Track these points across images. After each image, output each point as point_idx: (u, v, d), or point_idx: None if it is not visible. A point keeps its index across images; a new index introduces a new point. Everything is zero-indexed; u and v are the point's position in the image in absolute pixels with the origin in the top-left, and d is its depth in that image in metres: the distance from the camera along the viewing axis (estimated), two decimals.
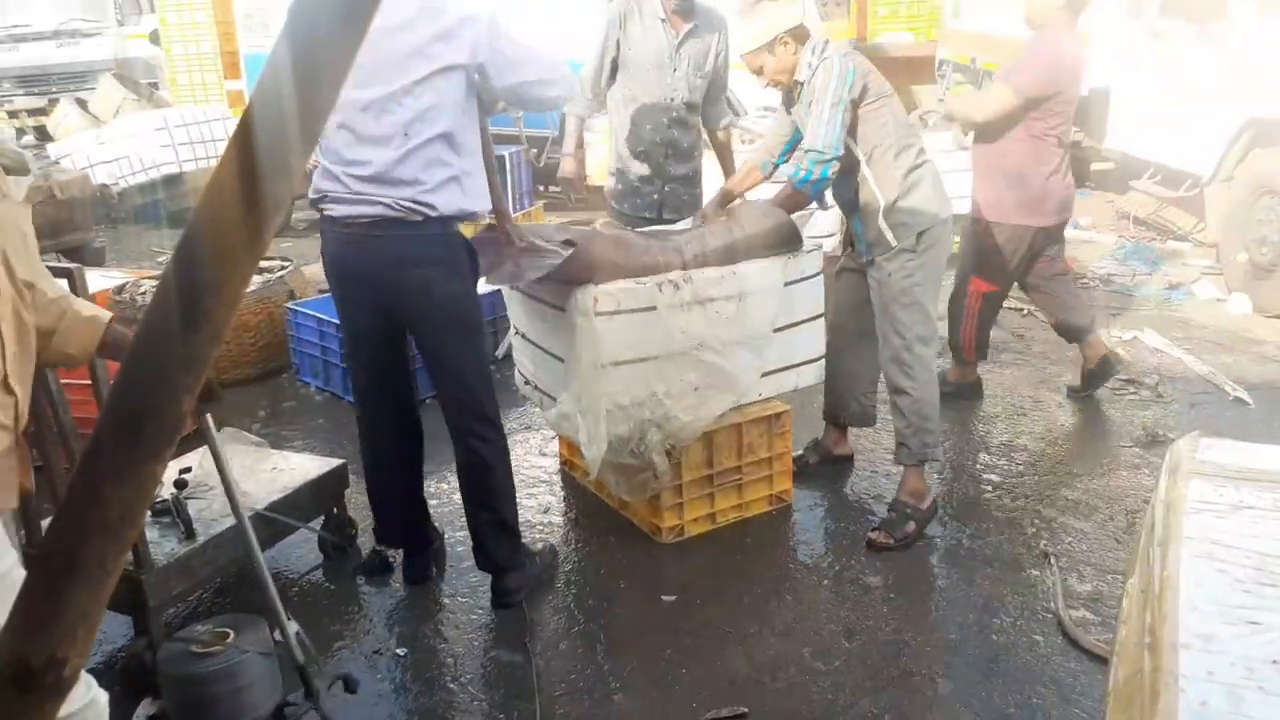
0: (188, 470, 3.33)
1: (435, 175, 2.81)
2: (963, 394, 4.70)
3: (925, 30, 10.26)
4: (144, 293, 4.91)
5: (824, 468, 4.06)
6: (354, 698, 2.72)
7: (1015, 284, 4.67)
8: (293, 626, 2.97)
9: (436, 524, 3.50)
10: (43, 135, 11.24)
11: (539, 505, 3.89)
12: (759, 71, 3.54)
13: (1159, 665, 1.22)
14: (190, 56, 10.20)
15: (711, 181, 4.65)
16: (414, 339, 3.10)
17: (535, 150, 8.04)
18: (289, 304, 5.20)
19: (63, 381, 2.46)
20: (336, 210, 2.89)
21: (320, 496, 3.47)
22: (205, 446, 3.42)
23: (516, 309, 3.79)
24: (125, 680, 2.76)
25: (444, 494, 3.84)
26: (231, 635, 2.66)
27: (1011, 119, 4.27)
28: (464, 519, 3.25)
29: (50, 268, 2.11)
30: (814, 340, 3.68)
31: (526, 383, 3.87)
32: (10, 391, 1.76)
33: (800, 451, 4.02)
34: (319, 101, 0.58)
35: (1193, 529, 1.49)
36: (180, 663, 2.61)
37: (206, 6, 9.67)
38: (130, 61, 12.90)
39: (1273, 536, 1.46)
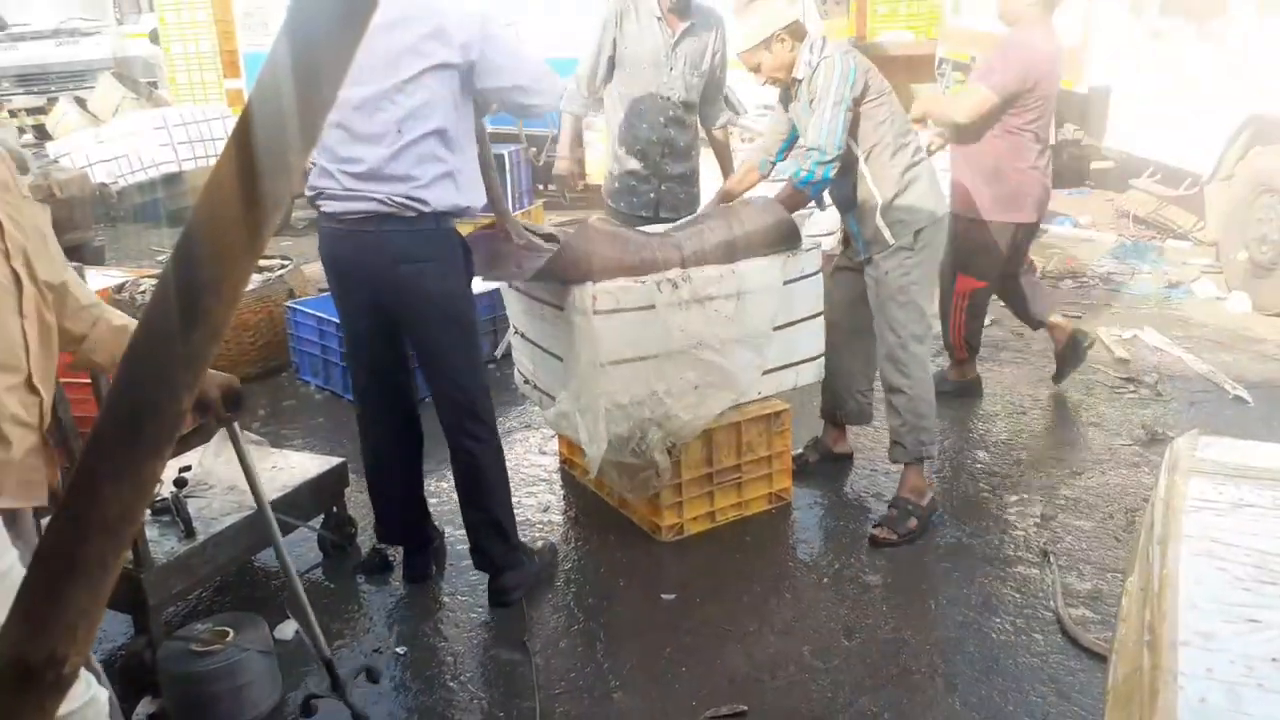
0: (187, 469, 3.33)
1: (429, 171, 2.82)
2: (962, 393, 4.71)
3: (925, 28, 10.26)
4: (143, 291, 4.91)
5: (823, 466, 4.06)
6: (377, 688, 2.75)
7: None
8: (292, 625, 2.98)
9: (436, 522, 3.50)
10: (42, 134, 11.25)
11: (539, 504, 3.89)
12: (756, 69, 3.54)
13: (1158, 663, 1.22)
14: (189, 55, 10.20)
15: (709, 180, 4.65)
16: (408, 337, 3.09)
17: (535, 149, 8.04)
18: (289, 303, 5.20)
19: (62, 381, 2.45)
20: (331, 206, 2.91)
21: (320, 495, 3.47)
22: (205, 445, 3.44)
23: (515, 308, 3.79)
24: (125, 678, 2.76)
25: (444, 492, 3.84)
26: (231, 633, 2.67)
27: (990, 118, 4.27)
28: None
29: None
30: (813, 338, 3.68)
31: (526, 381, 3.87)
32: (35, 391, 1.78)
33: (800, 450, 4.02)
34: (318, 100, 0.58)
35: (1192, 527, 1.49)
36: (180, 661, 2.62)
37: (206, 5, 9.66)
38: (129, 60, 12.89)
39: (1272, 534, 1.46)
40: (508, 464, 4.15)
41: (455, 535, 3.51)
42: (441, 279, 2.94)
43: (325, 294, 4.55)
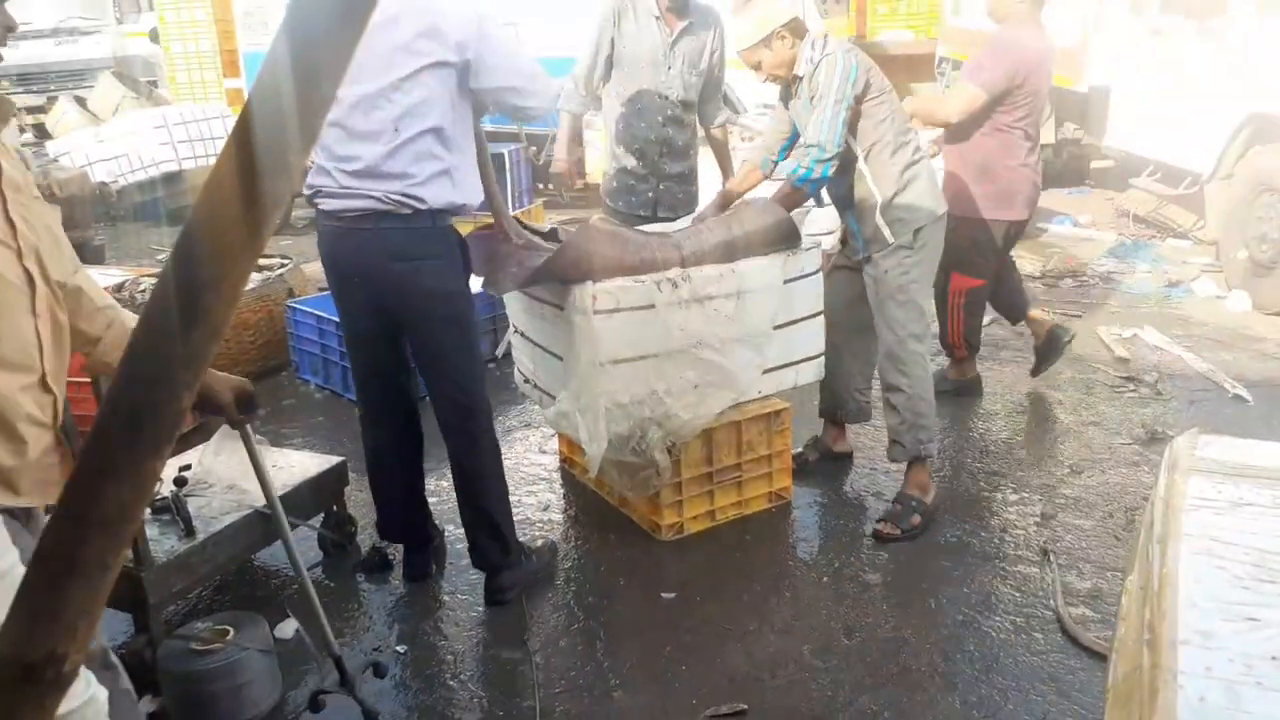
0: (187, 468, 3.33)
1: (425, 169, 2.82)
2: (962, 391, 4.71)
3: (925, 28, 10.26)
4: (143, 290, 4.90)
5: (823, 465, 4.07)
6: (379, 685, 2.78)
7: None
8: (293, 623, 2.98)
9: (436, 521, 3.50)
10: (41, 133, 11.24)
11: (539, 503, 3.89)
12: (757, 67, 3.54)
13: (1158, 662, 1.22)
14: (189, 54, 10.20)
15: (708, 179, 4.65)
16: (407, 336, 3.08)
17: (535, 148, 8.04)
18: (288, 302, 5.20)
19: None
20: (328, 204, 2.91)
21: (320, 494, 3.47)
22: (205, 444, 3.44)
23: (516, 307, 3.79)
24: None
25: (444, 491, 3.84)
26: (231, 632, 2.67)
27: (980, 116, 4.27)
28: None
29: None
30: (813, 337, 3.68)
31: (526, 381, 3.88)
32: (49, 390, 1.79)
33: (800, 449, 4.02)
34: (317, 99, 0.58)
35: (1192, 526, 1.49)
36: (180, 660, 2.62)
37: (205, 5, 9.66)
38: (129, 59, 12.90)
39: (1272, 533, 1.46)
40: (508, 463, 4.16)
41: (455, 534, 3.51)
42: (438, 277, 2.94)
43: (325, 293, 4.55)
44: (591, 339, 3.18)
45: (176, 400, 0.60)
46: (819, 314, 3.66)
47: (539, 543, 3.47)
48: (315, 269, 5.03)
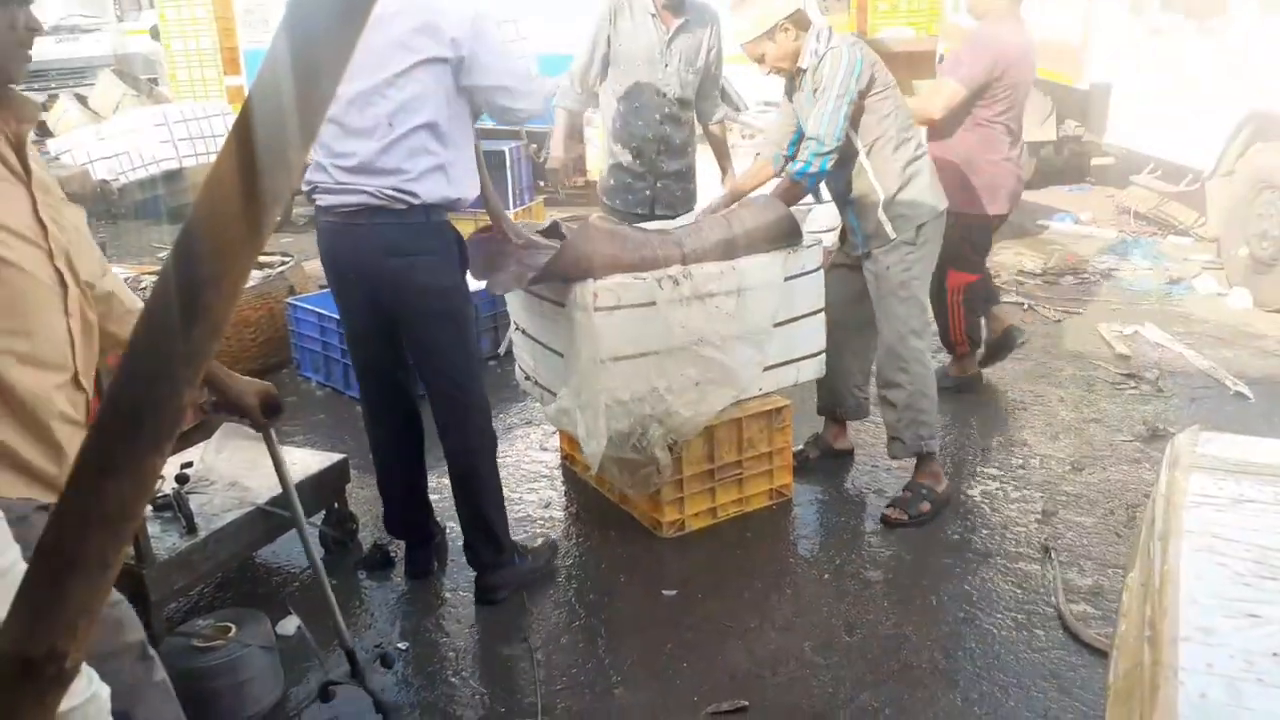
0: (189, 465, 3.33)
1: (419, 164, 2.82)
2: (963, 388, 4.71)
3: (926, 25, 10.23)
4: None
5: (824, 462, 4.07)
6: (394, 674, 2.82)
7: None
8: (295, 620, 2.99)
9: (438, 518, 3.50)
10: (42, 131, 11.23)
11: (540, 500, 3.90)
12: (760, 60, 3.53)
13: (1159, 658, 1.22)
14: (190, 52, 10.18)
15: (706, 177, 4.64)
16: (404, 333, 3.07)
17: (535, 145, 8.04)
18: (289, 299, 5.20)
19: None
20: (325, 200, 2.92)
21: (321, 491, 3.47)
22: (206, 441, 3.45)
23: (516, 304, 3.79)
24: None
25: (445, 488, 3.83)
26: (233, 629, 2.68)
27: (963, 111, 4.28)
28: None
29: None
30: (814, 335, 3.68)
31: (527, 378, 3.88)
32: (80, 388, 1.82)
33: (800, 446, 4.02)
34: (317, 96, 0.58)
35: (1193, 523, 1.49)
36: (182, 657, 2.62)
37: (206, 2, 9.65)
38: (130, 57, 12.90)
39: (1273, 530, 1.46)
40: (509, 460, 4.17)
41: (457, 530, 3.51)
42: (433, 272, 2.93)
43: (326, 290, 4.54)
44: (592, 336, 3.18)
45: (177, 397, 0.60)
46: (820, 311, 3.66)
47: (539, 541, 3.47)
48: (316, 266, 5.03)
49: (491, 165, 6.79)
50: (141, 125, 8.87)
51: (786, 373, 3.65)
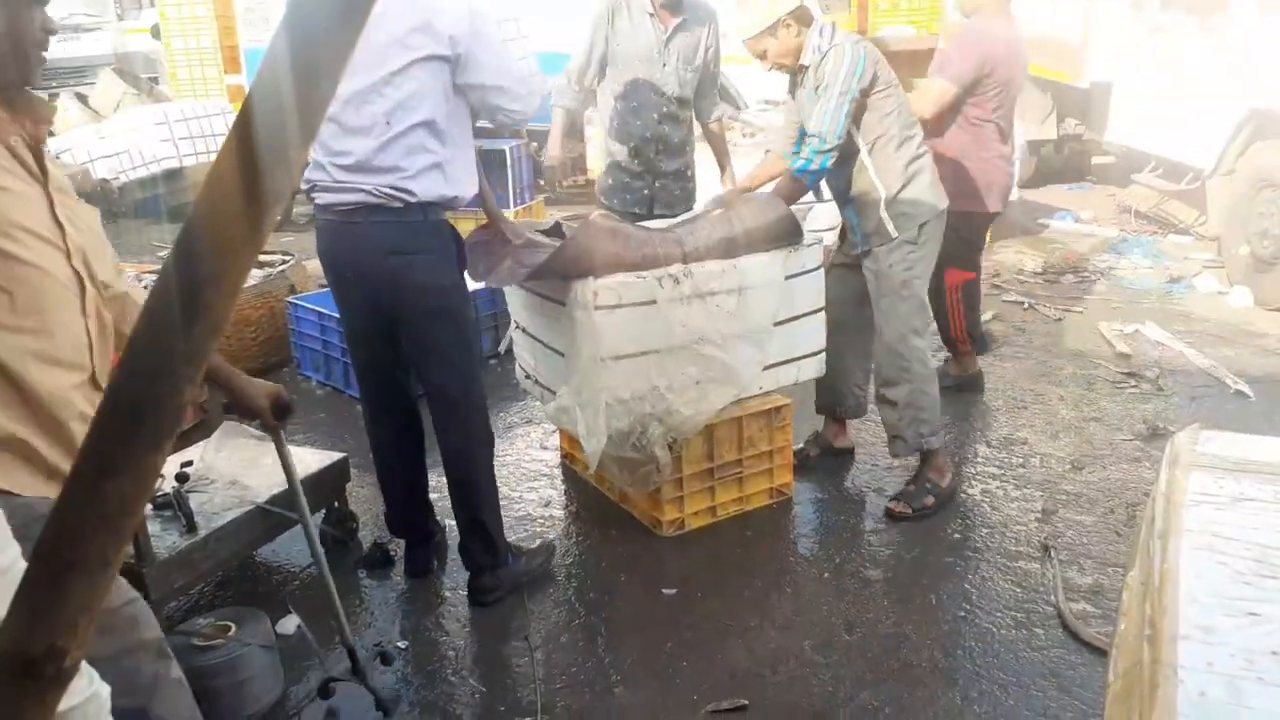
0: (189, 464, 3.33)
1: (416, 162, 2.81)
2: (964, 387, 4.71)
3: (926, 24, 10.22)
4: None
5: (824, 461, 4.07)
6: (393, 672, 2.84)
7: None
8: (294, 619, 2.99)
9: (438, 517, 3.50)
10: None
11: (540, 499, 3.90)
12: (762, 56, 3.52)
13: (1158, 657, 1.22)
14: (190, 51, 10.18)
15: (705, 175, 4.64)
16: (401, 331, 3.04)
17: (536, 144, 8.03)
18: (290, 298, 5.20)
19: None
20: (323, 199, 2.91)
21: (321, 490, 3.47)
22: (206, 440, 3.45)
23: (517, 303, 3.79)
24: None
25: (445, 487, 3.83)
26: (233, 628, 2.68)
27: (954, 110, 4.29)
28: None
29: None
30: (815, 334, 3.68)
31: (527, 377, 3.88)
32: (98, 388, 1.84)
33: (801, 445, 4.02)
34: (317, 95, 0.58)
35: (1193, 521, 1.49)
36: (182, 656, 2.61)
37: (206, 1, 9.64)
38: (130, 56, 12.88)
39: (1273, 528, 1.46)
40: (509, 459, 4.17)
41: (456, 530, 3.52)
42: (431, 271, 2.92)
43: (326, 289, 4.54)
44: (593, 334, 3.18)
45: (177, 395, 0.60)
46: (820, 310, 3.66)
47: (538, 542, 3.47)
48: (317, 265, 5.01)
49: (493, 164, 6.82)
50: (142, 124, 8.87)
51: (787, 371, 3.65)
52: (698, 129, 4.52)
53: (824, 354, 3.72)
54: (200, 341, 0.59)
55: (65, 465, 1.77)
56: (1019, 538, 3.49)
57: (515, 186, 7.12)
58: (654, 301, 3.24)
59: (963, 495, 3.81)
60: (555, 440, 4.28)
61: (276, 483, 3.29)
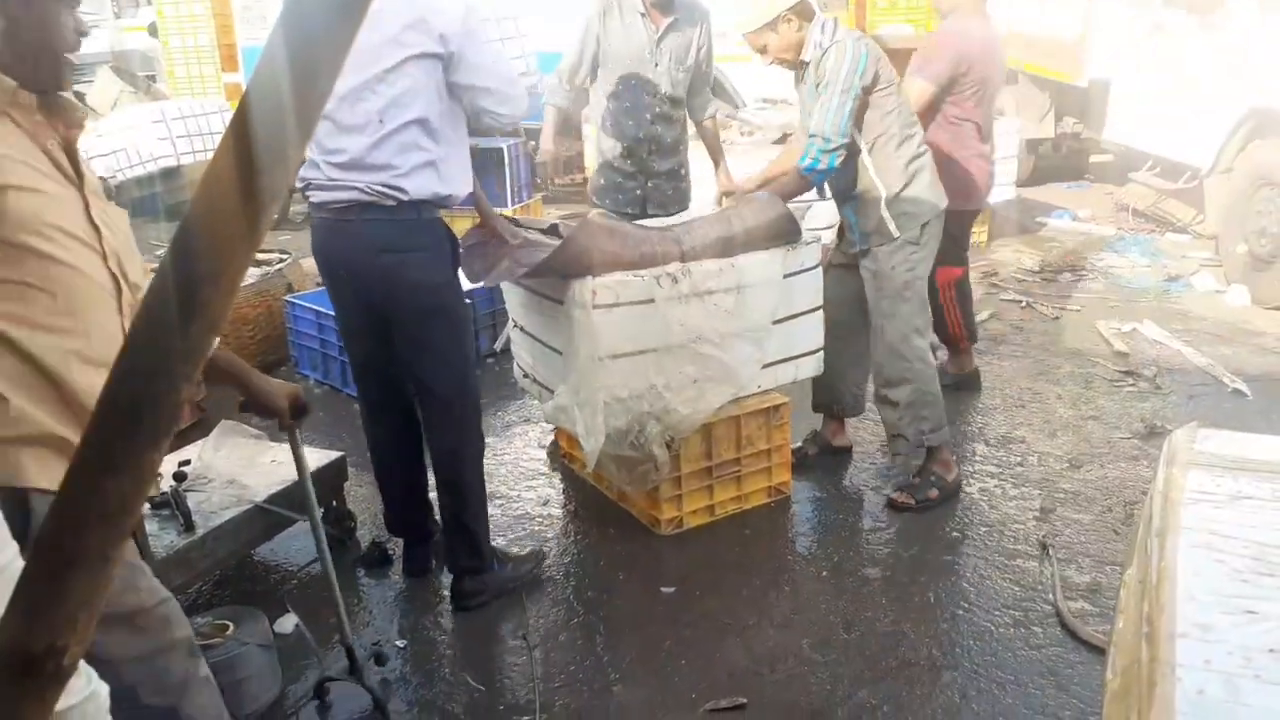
0: (187, 463, 3.33)
1: (409, 160, 2.80)
2: (962, 386, 4.71)
3: (924, 22, 10.23)
4: None
5: (823, 459, 4.07)
6: (387, 672, 2.86)
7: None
8: (293, 618, 2.99)
9: (436, 516, 3.50)
10: None
11: (538, 498, 3.90)
12: (763, 50, 3.51)
13: (1156, 655, 1.22)
14: (188, 49, 10.16)
15: (702, 173, 4.64)
16: (395, 331, 3.01)
17: (533, 143, 8.03)
18: (287, 297, 5.20)
19: None
20: (317, 197, 2.91)
21: (319, 489, 3.42)
22: (204, 439, 3.45)
23: (515, 301, 3.78)
24: None
25: None
26: (231, 627, 2.68)
27: (933, 110, 4.31)
28: None
29: None
30: (813, 332, 3.68)
31: (525, 375, 3.87)
32: None
33: (799, 443, 4.02)
34: (314, 93, 0.58)
35: (1191, 519, 1.49)
36: None
37: None
38: (127, 54, 12.87)
39: (1271, 526, 1.47)
40: (507, 458, 4.17)
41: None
42: (424, 269, 2.91)
43: (324, 287, 4.54)
44: (591, 334, 3.18)
45: (175, 393, 0.60)
46: (819, 308, 3.66)
47: (528, 548, 3.44)
48: (314, 264, 5.03)
49: (490, 163, 6.81)
50: (139, 122, 8.86)
51: (785, 370, 3.65)
52: (691, 127, 4.52)
53: (822, 352, 3.72)
54: (197, 340, 0.59)
55: None
56: (1017, 536, 3.50)
57: (513, 185, 7.11)
58: (652, 300, 3.24)
59: (961, 493, 3.81)
60: (553, 439, 4.27)
61: (274, 482, 3.30)
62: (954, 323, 4.62)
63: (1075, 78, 7.88)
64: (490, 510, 3.71)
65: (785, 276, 3.50)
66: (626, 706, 2.72)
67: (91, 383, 1.78)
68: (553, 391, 3.52)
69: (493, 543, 3.25)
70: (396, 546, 3.45)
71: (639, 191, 4.32)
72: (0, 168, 1.68)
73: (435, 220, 2.94)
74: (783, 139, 6.63)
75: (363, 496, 3.79)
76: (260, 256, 5.27)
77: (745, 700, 2.70)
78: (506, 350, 4.62)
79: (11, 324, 1.71)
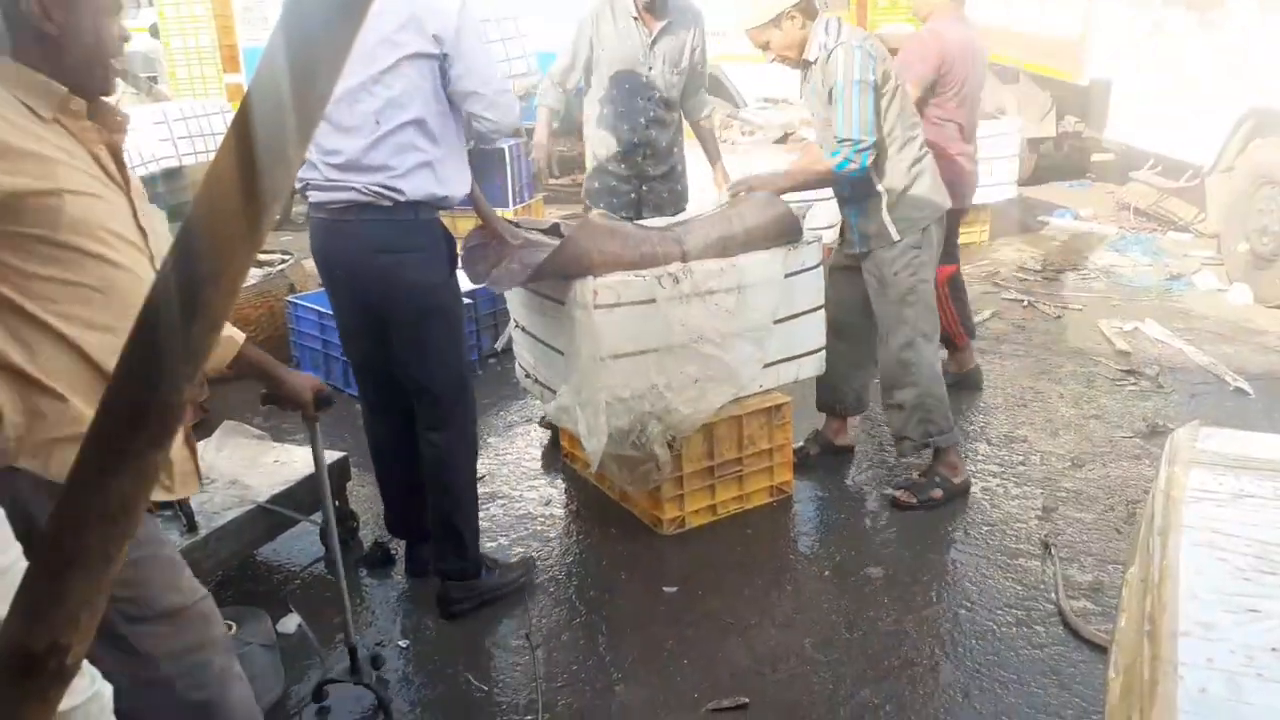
0: None
1: (406, 161, 2.80)
2: (963, 384, 4.71)
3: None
4: None
5: (825, 459, 4.06)
6: (386, 673, 2.87)
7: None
8: (295, 618, 2.99)
9: None
10: None
11: (540, 498, 3.90)
12: (765, 46, 3.49)
13: (1158, 653, 1.22)
14: (189, 50, 10.18)
15: (699, 172, 4.63)
16: (392, 331, 3.00)
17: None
18: (289, 297, 5.20)
19: None
20: (315, 197, 2.91)
21: None
22: (206, 440, 3.45)
23: (516, 302, 3.78)
24: None
25: None
26: (234, 627, 2.68)
27: (918, 111, 4.32)
28: None
29: None
30: (814, 332, 3.67)
31: (527, 375, 3.87)
32: None
33: (801, 443, 4.02)
34: (315, 94, 0.58)
35: (1193, 518, 1.49)
36: None
37: (205, 0, 9.65)
38: (129, 55, 12.84)
39: (1273, 525, 1.47)
40: (508, 458, 4.17)
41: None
42: (420, 269, 2.90)
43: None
44: (592, 334, 3.18)
45: (177, 393, 0.60)
46: (820, 308, 3.66)
47: (517, 555, 3.42)
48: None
49: (491, 163, 6.81)
50: (140, 123, 8.81)
51: (786, 369, 3.64)
52: (686, 129, 4.52)
53: (824, 351, 3.72)
54: (199, 340, 0.59)
55: (164, 463, 1.81)
56: (1019, 535, 3.49)
57: (514, 185, 7.11)
58: (653, 300, 3.24)
59: (962, 493, 3.81)
60: (550, 438, 4.27)
61: (277, 482, 3.31)
62: (949, 320, 4.63)
63: (1076, 77, 7.88)
64: (492, 510, 3.73)
65: (786, 276, 3.50)
66: (629, 706, 2.72)
67: None
68: (554, 392, 3.52)
69: (492, 543, 3.25)
70: (398, 547, 3.46)
71: (634, 195, 4.32)
72: (57, 173, 1.69)
73: (432, 221, 2.94)
74: (783, 139, 6.63)
75: (365, 497, 3.79)
76: (262, 257, 5.28)
77: (747, 700, 2.70)
78: (508, 350, 4.62)
79: (72, 325, 1.73)
